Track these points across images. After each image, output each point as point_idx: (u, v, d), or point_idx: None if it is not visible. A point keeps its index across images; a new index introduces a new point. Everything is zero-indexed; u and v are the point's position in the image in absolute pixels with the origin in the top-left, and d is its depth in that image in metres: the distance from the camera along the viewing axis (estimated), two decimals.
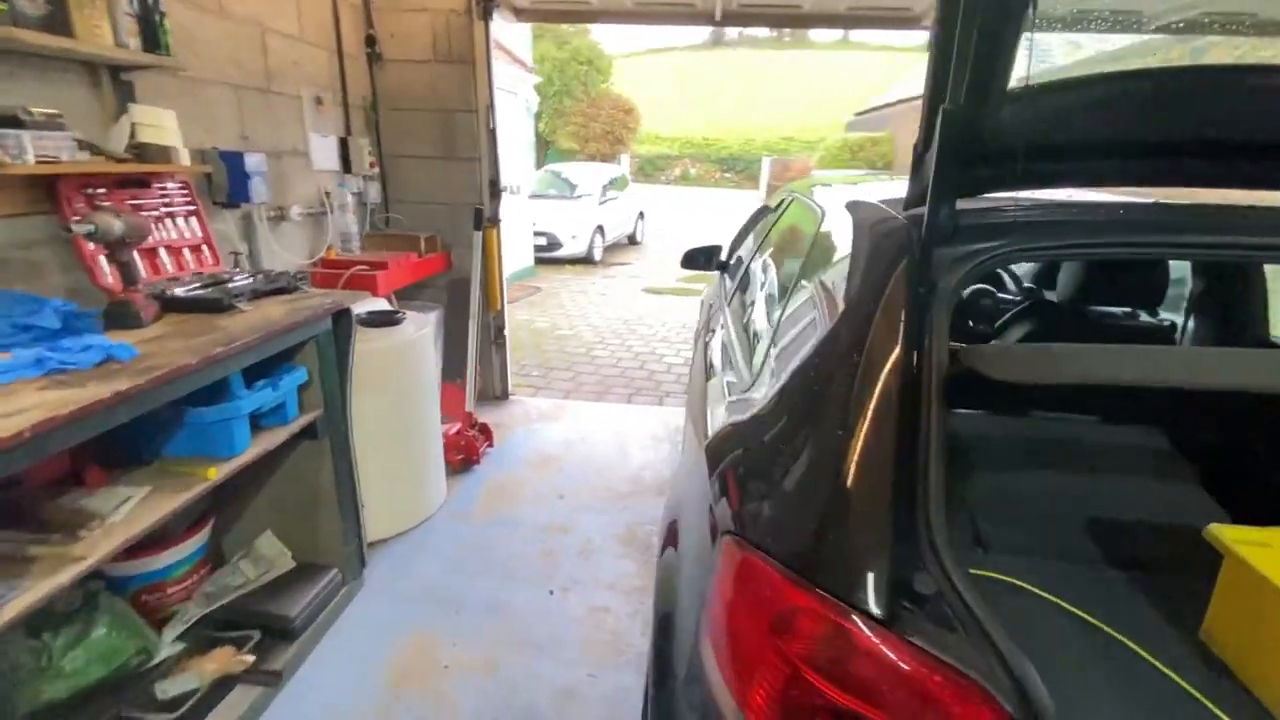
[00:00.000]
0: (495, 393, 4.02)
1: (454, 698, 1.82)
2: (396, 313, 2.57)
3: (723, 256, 3.17)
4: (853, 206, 1.28)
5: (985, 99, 0.84)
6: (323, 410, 1.99)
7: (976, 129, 0.87)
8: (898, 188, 1.21)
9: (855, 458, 0.79)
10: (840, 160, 15.43)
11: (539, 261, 9.06)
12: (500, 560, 2.45)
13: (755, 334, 1.52)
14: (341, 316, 2.01)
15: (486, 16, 3.35)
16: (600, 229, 10.22)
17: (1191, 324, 1.92)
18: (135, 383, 1.26)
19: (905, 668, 0.63)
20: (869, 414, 0.82)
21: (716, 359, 1.80)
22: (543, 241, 9.15)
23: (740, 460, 1.04)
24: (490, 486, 2.99)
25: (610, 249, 11.02)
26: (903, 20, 3.70)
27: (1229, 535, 1.01)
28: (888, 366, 0.85)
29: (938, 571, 0.69)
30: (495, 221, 3.72)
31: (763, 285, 1.82)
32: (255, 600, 1.94)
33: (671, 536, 1.27)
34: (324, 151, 3.01)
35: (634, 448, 3.44)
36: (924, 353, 0.85)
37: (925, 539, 0.71)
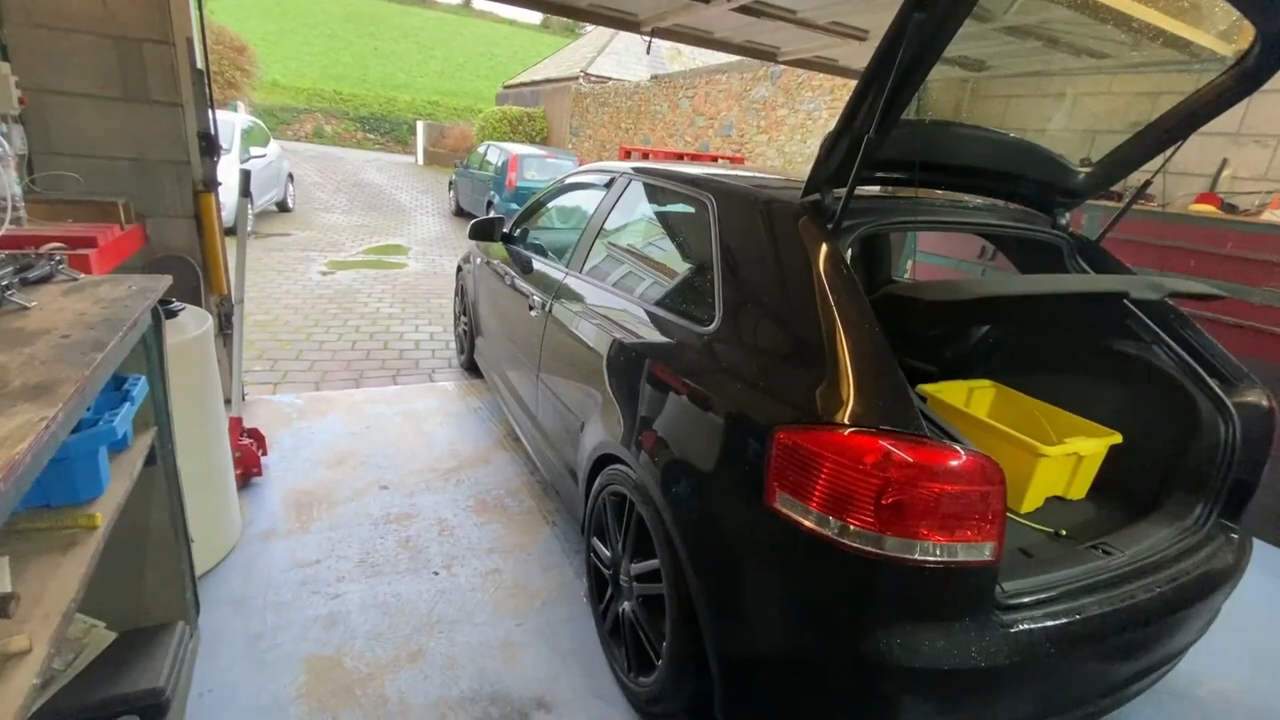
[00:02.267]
0: (227, 395, 3.32)
1: (396, 699, 1.75)
2: (170, 302, 2.03)
3: (506, 229, 3.32)
4: (755, 194, 1.72)
5: (886, 128, 1.36)
6: (156, 429, 1.57)
7: (877, 147, 1.39)
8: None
9: (860, 349, 1.26)
10: (501, 132, 15.80)
11: None
12: (354, 563, 2.26)
13: (684, 289, 1.86)
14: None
15: None
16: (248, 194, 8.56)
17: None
18: (47, 414, 0.94)
19: (954, 454, 1.15)
20: (856, 325, 1.30)
21: (596, 316, 2.06)
22: None
23: (763, 377, 1.39)
24: (290, 497, 2.62)
25: (260, 218, 9.35)
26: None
27: (924, 388, 1.96)
28: (844, 295, 1.35)
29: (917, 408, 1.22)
30: (211, 186, 3.04)
31: (640, 249, 2.19)
32: (84, 692, 1.47)
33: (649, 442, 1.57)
34: None
35: (433, 426, 3.36)
36: (852, 282, 1.37)
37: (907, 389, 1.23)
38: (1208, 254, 3.33)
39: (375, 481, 2.78)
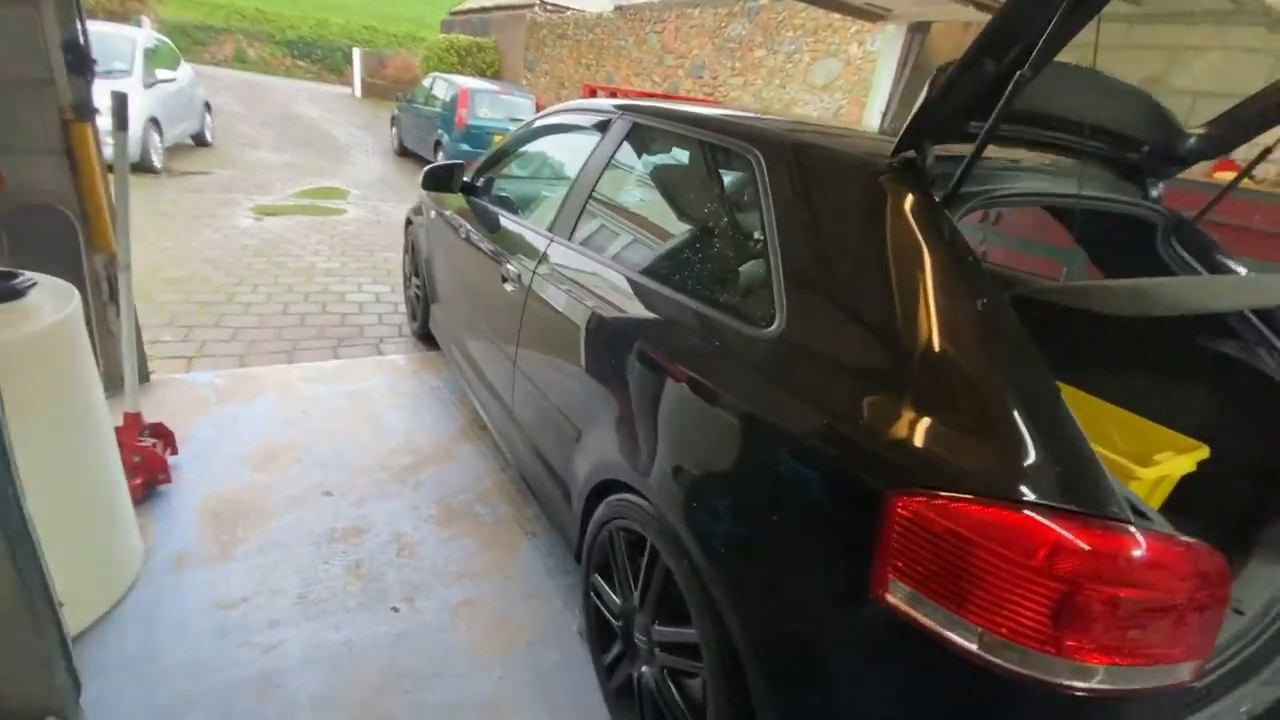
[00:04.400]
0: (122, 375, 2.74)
1: None
2: (13, 276, 1.48)
3: (467, 178, 2.81)
4: (829, 150, 1.30)
5: (1042, 63, 0.97)
6: None
7: (1025, 86, 0.99)
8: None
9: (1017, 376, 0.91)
10: (448, 64, 14.48)
11: None
12: (291, 599, 1.84)
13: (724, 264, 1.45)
14: None
15: None
16: (155, 123, 7.47)
17: None
18: None
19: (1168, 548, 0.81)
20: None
21: (611, 290, 1.62)
22: None
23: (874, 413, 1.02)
24: (208, 508, 2.14)
25: (173, 153, 8.25)
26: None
27: None
28: (983, 301, 0.98)
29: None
30: (85, 114, 2.38)
31: (653, 216, 1.73)
32: None
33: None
34: None
35: (383, 410, 2.89)
36: (986, 280, 1.00)
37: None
38: (1232, 227, 3.11)
39: (316, 485, 2.32)
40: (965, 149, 1.08)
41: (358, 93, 17.78)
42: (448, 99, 8.90)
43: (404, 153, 10.52)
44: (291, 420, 2.71)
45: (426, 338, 3.55)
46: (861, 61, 6.51)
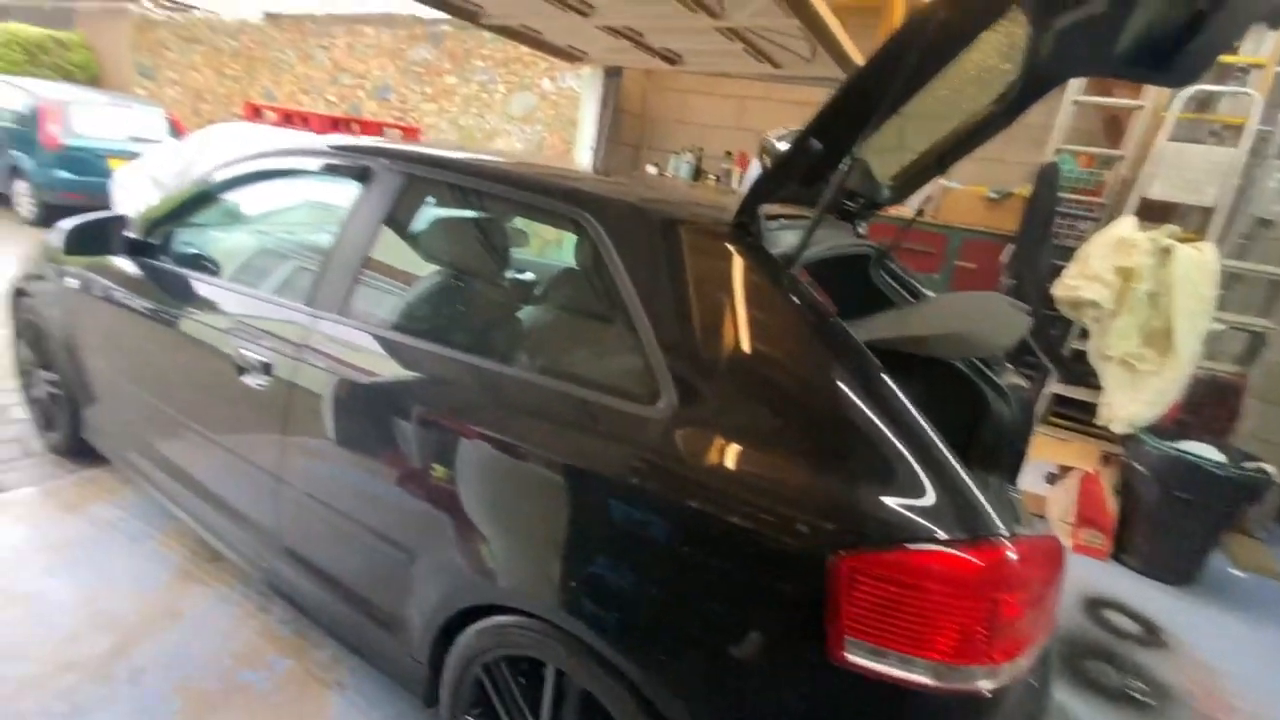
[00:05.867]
0: None
1: None
2: None
3: (134, 233, 2.13)
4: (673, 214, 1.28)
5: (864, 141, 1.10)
6: None
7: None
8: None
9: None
10: (11, 62, 10.66)
11: None
12: None
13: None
14: None
15: None
16: None
17: None
18: None
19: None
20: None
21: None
22: None
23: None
24: None
25: None
26: None
27: None
28: (856, 356, 1.09)
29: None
30: None
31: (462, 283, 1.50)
32: None
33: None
34: None
35: (33, 578, 1.97)
36: (852, 337, 1.12)
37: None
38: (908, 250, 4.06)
39: None
40: None
41: None
42: (26, 111, 6.59)
43: None
44: None
45: (81, 451, 2.54)
46: (556, 96, 6.83)
